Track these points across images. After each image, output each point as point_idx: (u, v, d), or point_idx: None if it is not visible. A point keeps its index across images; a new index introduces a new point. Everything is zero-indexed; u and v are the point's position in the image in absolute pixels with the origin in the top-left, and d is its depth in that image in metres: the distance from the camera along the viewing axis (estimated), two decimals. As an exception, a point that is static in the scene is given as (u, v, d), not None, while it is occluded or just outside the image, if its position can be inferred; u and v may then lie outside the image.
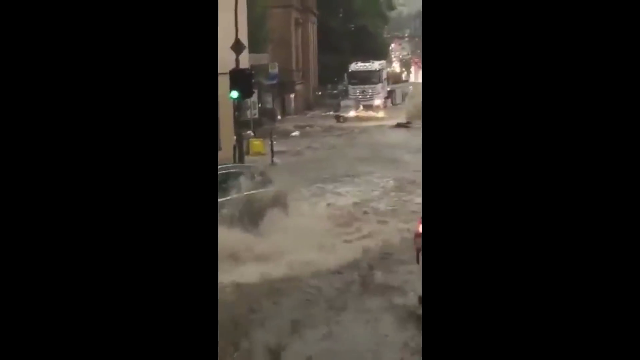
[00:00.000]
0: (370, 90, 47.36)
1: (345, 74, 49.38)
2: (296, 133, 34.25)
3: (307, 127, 37.40)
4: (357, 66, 49.06)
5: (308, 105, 51.31)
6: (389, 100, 49.44)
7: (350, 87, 48.13)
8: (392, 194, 18.11)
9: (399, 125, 36.28)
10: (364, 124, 38.89)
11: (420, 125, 4.48)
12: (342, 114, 42.42)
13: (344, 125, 38.86)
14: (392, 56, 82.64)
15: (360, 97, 46.78)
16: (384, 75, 50.85)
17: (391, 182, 19.59)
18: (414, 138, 25.48)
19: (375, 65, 49.46)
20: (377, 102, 47.01)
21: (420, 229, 7.98)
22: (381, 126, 37.35)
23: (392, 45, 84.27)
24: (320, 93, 55.70)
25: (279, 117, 38.56)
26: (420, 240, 7.70)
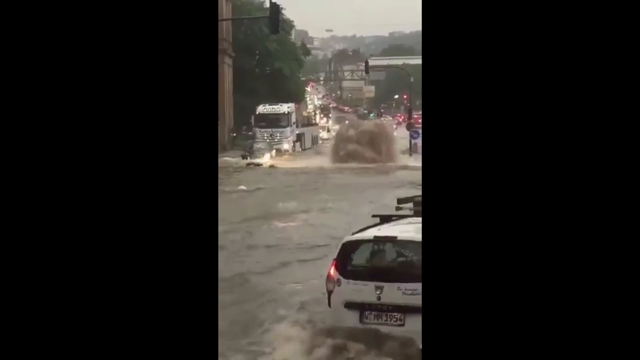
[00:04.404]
0: (278, 134, 46.66)
1: (252, 117, 48.50)
2: None
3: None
4: (264, 108, 48.13)
5: (222, 147, 51.27)
6: (298, 144, 48.75)
7: (257, 130, 47.23)
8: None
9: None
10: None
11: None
12: (247, 153, 42.46)
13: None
14: (307, 99, 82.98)
15: (268, 140, 46.08)
16: (293, 118, 49.70)
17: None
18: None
19: (284, 107, 48.45)
20: (286, 146, 46.31)
21: (332, 271, 7.70)
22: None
23: (308, 88, 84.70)
24: (234, 135, 55.76)
25: None
26: (332, 282, 7.59)
